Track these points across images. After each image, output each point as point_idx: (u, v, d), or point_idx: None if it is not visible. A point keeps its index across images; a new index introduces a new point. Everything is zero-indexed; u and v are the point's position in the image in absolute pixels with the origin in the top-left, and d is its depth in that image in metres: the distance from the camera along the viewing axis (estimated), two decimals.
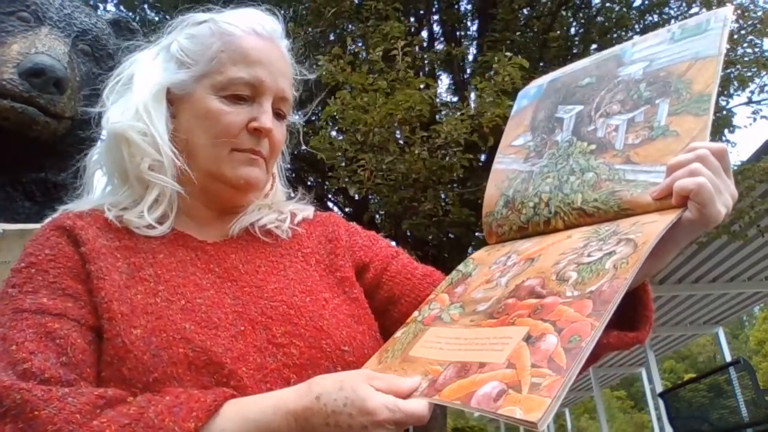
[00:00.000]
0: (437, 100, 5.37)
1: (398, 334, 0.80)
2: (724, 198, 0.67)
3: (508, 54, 4.27)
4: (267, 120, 0.83)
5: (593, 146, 0.79)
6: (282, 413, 0.64)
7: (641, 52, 0.81)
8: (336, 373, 0.71)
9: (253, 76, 0.83)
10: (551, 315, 0.60)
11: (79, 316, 0.72)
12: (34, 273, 0.74)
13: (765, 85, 6.12)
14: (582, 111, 0.84)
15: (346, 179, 4.55)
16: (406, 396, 0.63)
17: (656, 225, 0.65)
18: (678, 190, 0.66)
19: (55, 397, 0.63)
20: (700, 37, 0.75)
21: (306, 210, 0.97)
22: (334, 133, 5.06)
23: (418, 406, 0.61)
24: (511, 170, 0.91)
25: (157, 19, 6.34)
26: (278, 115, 0.87)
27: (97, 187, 0.91)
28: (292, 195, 1.00)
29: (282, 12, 0.92)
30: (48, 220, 0.83)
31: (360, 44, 5.21)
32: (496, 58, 4.26)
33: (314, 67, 4.51)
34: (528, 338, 0.59)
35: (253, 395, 0.68)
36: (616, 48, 0.86)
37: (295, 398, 0.65)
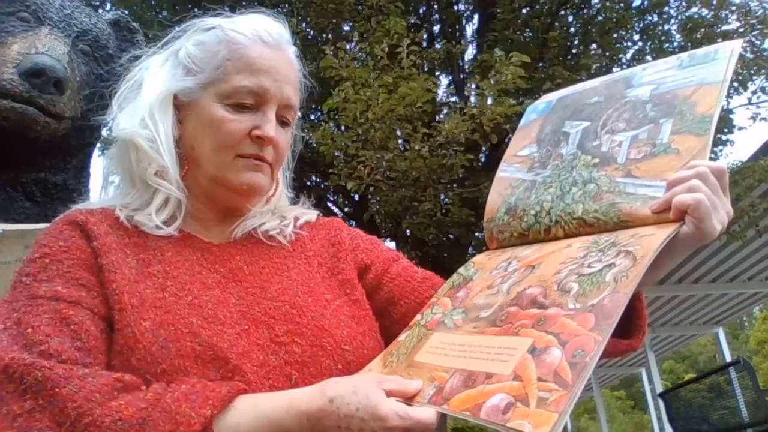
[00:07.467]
0: (438, 99, 5.36)
1: (402, 337, 0.81)
2: (720, 215, 0.70)
3: (510, 53, 4.25)
4: (270, 129, 0.84)
5: (596, 160, 0.81)
6: (295, 413, 0.65)
7: (650, 76, 0.84)
8: (349, 376, 0.72)
9: (257, 85, 0.84)
10: (555, 327, 0.62)
11: (93, 305, 0.74)
12: (48, 263, 0.76)
13: (765, 86, 6.11)
14: (588, 127, 0.86)
15: (347, 176, 4.54)
16: (413, 397, 0.64)
17: (654, 238, 0.66)
18: (677, 204, 0.68)
19: (75, 375, 0.64)
20: (708, 65, 0.77)
21: (309, 214, 0.99)
22: (334, 130, 5.05)
23: (427, 413, 0.63)
24: (514, 178, 0.92)
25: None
26: (283, 122, 0.89)
27: (109, 188, 0.93)
28: (296, 199, 1.01)
29: (282, 9, 0.92)
30: (60, 216, 0.84)
31: (361, 40, 5.19)
32: (496, 57, 4.24)
33: (317, 60, 4.49)
34: (533, 350, 0.60)
35: (267, 393, 0.70)
36: (627, 71, 0.88)
37: (308, 399, 0.66)
